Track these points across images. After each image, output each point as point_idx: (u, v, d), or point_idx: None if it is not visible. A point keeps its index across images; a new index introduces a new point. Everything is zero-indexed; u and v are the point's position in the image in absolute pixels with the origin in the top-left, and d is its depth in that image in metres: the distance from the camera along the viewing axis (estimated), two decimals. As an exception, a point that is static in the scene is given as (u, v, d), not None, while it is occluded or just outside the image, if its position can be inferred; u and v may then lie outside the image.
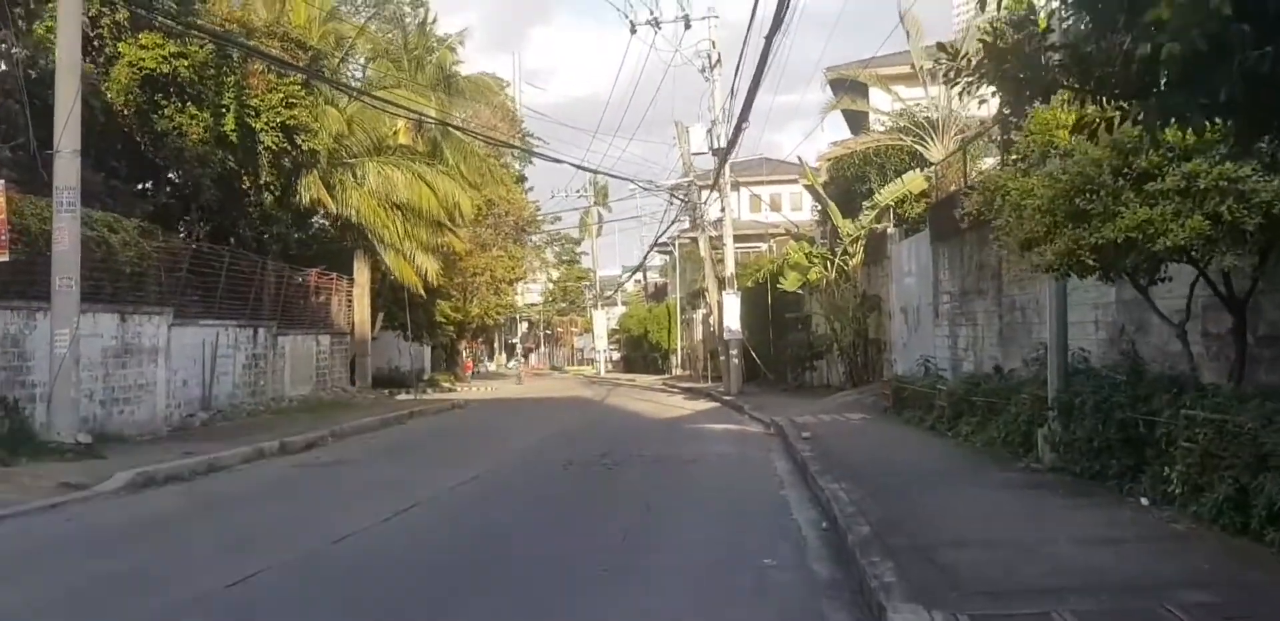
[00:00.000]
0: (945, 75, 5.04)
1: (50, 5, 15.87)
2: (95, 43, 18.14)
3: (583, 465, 12.47)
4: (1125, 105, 4.34)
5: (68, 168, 11.97)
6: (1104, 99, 4.45)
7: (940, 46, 5.29)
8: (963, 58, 4.93)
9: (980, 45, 4.90)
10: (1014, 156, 10.98)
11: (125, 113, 18.50)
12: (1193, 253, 7.15)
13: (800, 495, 9.92)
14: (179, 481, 11.33)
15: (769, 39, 13.43)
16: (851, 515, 7.51)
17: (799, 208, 40.10)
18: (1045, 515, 7.51)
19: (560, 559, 7.13)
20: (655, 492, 10.31)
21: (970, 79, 4.90)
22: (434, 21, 32.89)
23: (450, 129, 28.36)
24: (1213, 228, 6.58)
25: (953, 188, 18.63)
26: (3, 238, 10.74)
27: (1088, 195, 7.40)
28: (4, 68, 15.78)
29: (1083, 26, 4.25)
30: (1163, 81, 3.95)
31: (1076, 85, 4.55)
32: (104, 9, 17.62)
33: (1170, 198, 6.80)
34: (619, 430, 18.53)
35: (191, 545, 7.97)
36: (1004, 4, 4.92)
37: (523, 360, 66.47)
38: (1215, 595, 5.00)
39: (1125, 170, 7.15)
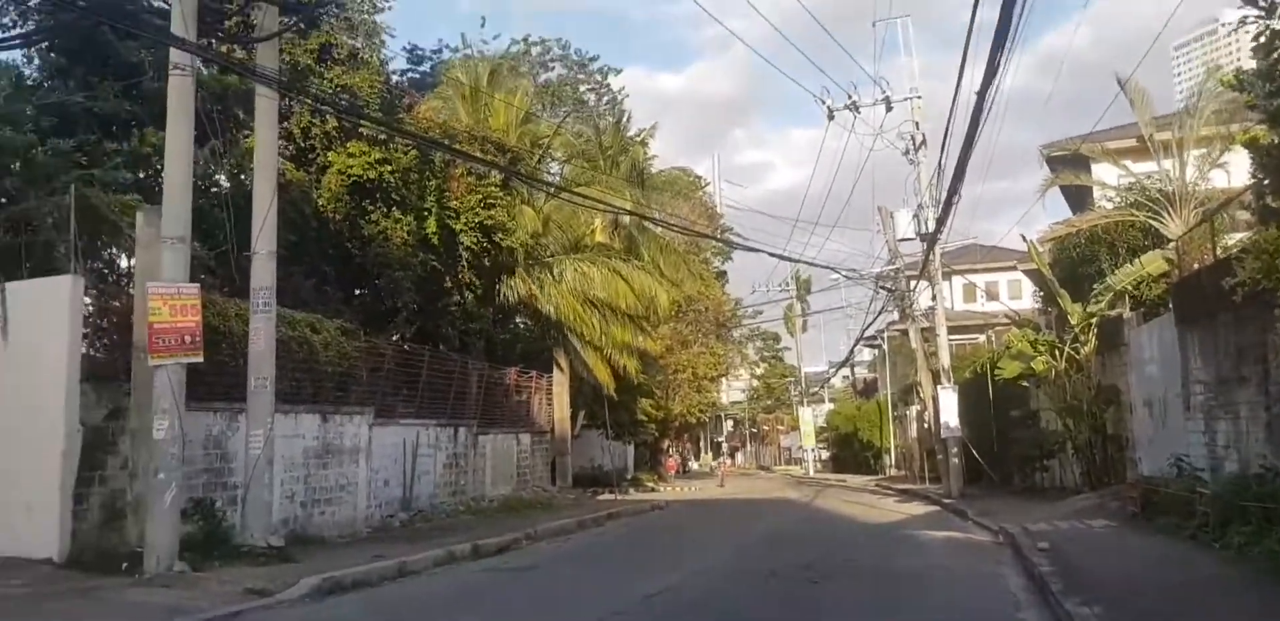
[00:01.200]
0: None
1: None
2: (308, 154, 19.07)
3: (785, 577, 11.26)
4: None
5: (263, 268, 12.16)
6: None
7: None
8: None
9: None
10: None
11: (335, 219, 19.22)
12: None
13: (1041, 618, 8.39)
14: (365, 587, 10.89)
15: (980, 95, 12.38)
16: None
17: (1018, 296, 37.78)
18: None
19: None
20: (867, 612, 9.03)
21: None
22: (628, 120, 33.51)
23: (646, 224, 28.33)
24: None
25: (1195, 266, 16.67)
26: (197, 339, 10.82)
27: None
28: (221, 179, 16.61)
29: None
30: None
31: None
32: (314, 121, 18.50)
33: None
34: (827, 536, 17.09)
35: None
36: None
37: (728, 459, 65.16)
38: None
39: None
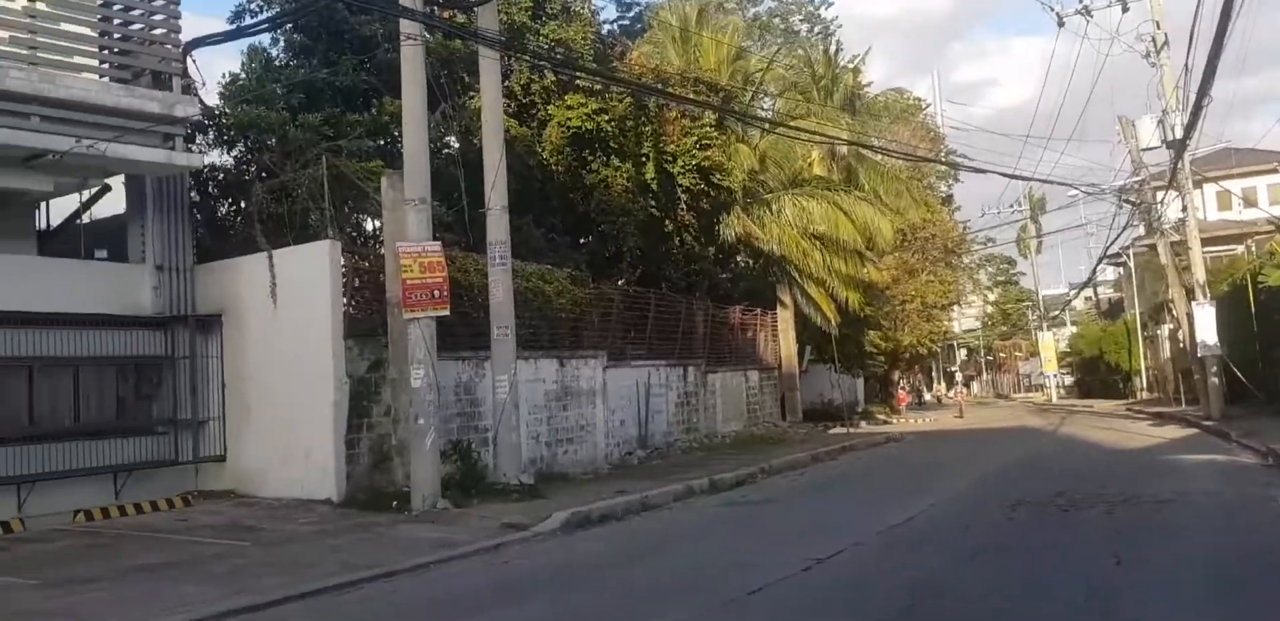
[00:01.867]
0: None
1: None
2: (529, 109, 19.68)
3: (1033, 506, 11.02)
4: None
5: (498, 223, 12.77)
6: None
7: None
8: None
9: None
10: None
11: (558, 171, 19.83)
12: None
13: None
14: (612, 520, 11.47)
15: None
16: None
17: (1279, 201, 34.50)
18: None
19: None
20: (1124, 542, 8.70)
21: None
22: (841, 49, 32.50)
23: (864, 153, 27.59)
24: None
25: None
26: (445, 293, 11.57)
27: None
28: (451, 141, 17.45)
29: None
30: None
31: None
32: (533, 77, 19.04)
33: None
34: (1075, 464, 16.44)
35: (602, 593, 7.81)
36: None
37: (963, 389, 63.33)
38: None
39: None
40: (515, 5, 18.98)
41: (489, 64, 12.82)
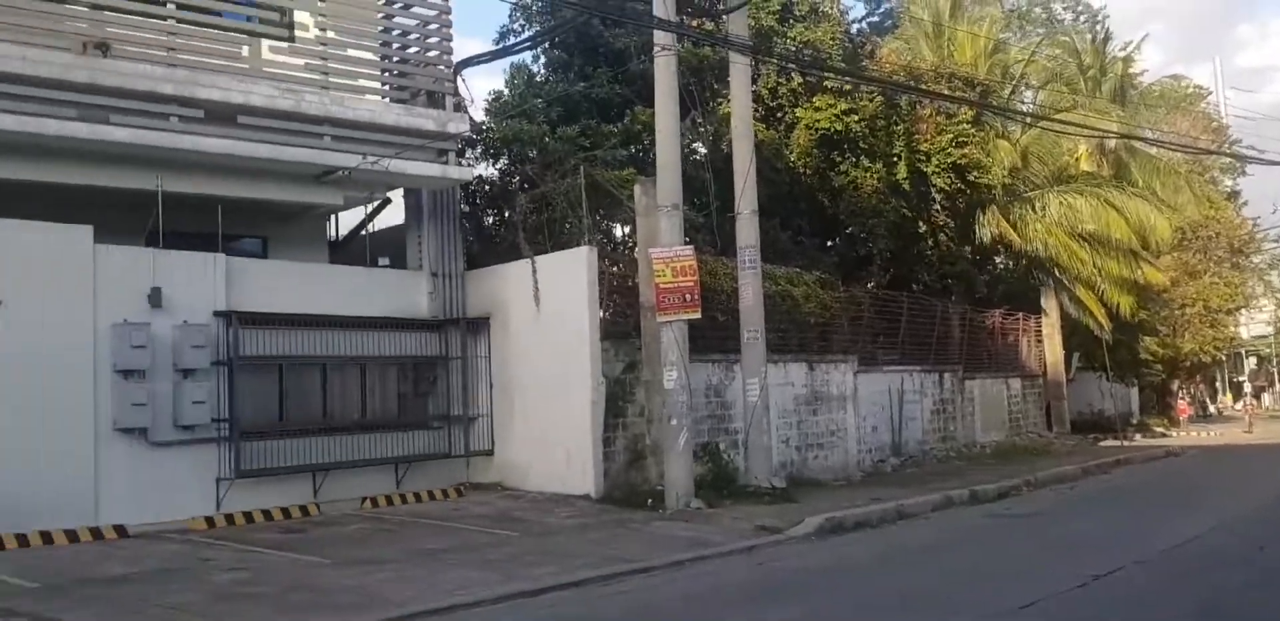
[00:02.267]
0: None
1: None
2: (776, 112, 19.68)
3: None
4: None
5: (747, 227, 12.85)
6: None
7: None
8: None
9: None
10: None
11: (806, 173, 19.69)
12: None
13: None
14: (866, 528, 11.28)
15: None
16: None
17: None
18: None
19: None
20: None
21: None
22: (1109, 37, 30.46)
23: (1137, 146, 25.73)
24: None
25: None
26: (696, 297, 11.76)
27: None
28: (698, 146, 17.72)
29: None
30: None
31: None
32: (780, 80, 19.03)
33: None
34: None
35: (861, 598, 7.67)
36: None
37: (1252, 401, 57.67)
38: None
39: None
40: (763, 9, 19.02)
41: (739, 69, 12.94)
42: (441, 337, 13.61)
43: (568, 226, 13.59)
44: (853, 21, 27.11)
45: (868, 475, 16.41)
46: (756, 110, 18.33)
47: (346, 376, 12.73)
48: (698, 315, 11.88)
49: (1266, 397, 71.42)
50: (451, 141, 12.77)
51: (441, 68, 12.98)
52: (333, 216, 14.56)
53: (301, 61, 11.85)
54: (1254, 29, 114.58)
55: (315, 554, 9.38)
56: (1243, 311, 44.09)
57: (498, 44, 16.66)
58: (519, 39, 16.01)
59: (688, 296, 11.68)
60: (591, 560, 8.89)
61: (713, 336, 13.64)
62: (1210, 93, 40.11)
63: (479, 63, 13.19)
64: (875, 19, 31.36)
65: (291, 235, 13.19)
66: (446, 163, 12.77)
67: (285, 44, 11.74)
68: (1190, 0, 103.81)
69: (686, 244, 11.92)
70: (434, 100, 12.86)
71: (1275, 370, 73.61)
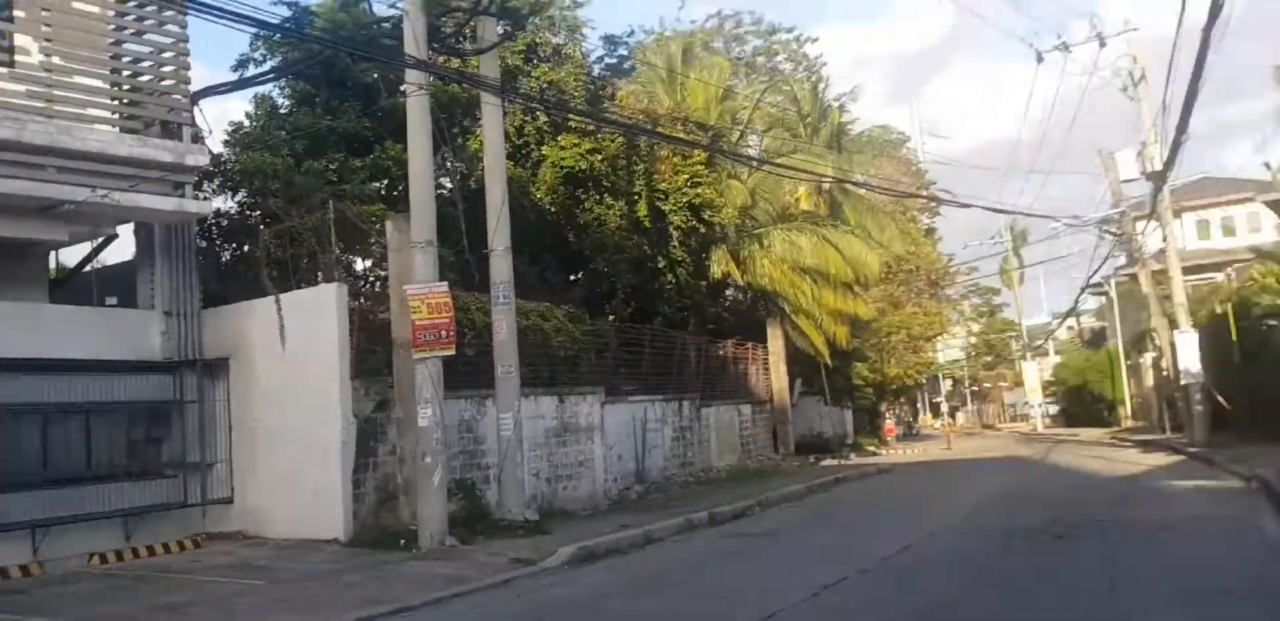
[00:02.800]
0: None
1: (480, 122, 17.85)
2: (522, 150, 20.10)
3: (1028, 533, 11.27)
4: None
5: (501, 264, 13.10)
6: None
7: None
8: None
9: None
10: None
11: (552, 210, 20.20)
12: None
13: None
14: (617, 554, 11.65)
15: (1206, 31, 11.87)
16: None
17: (1257, 229, 35.22)
18: None
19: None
20: (1119, 566, 8.98)
21: None
22: (826, 86, 33.21)
23: (849, 187, 28.12)
24: None
25: None
26: (451, 334, 11.85)
27: None
28: (447, 183, 17.82)
29: None
30: None
31: None
32: (526, 118, 19.48)
33: None
34: (1066, 492, 16.73)
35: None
36: None
37: (949, 420, 63.63)
38: None
39: None
40: (508, 49, 19.45)
41: (491, 111, 13.22)
42: (176, 380, 12.90)
43: (304, 262, 13.29)
44: (594, 61, 28.10)
45: (614, 503, 16.90)
46: (504, 148, 18.70)
47: (70, 424, 11.81)
48: (453, 352, 11.97)
49: (960, 416, 78.96)
50: (189, 174, 12.22)
51: (178, 97, 12.40)
52: (53, 252, 13.52)
53: (23, 88, 11.03)
54: (949, 78, 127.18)
55: (46, 615, 8.69)
56: (940, 338, 48.72)
57: (236, 72, 16.14)
58: (260, 69, 15.57)
59: (443, 333, 11.75)
60: (347, 604, 8.73)
61: (464, 372, 13.73)
62: (910, 138, 44.35)
63: (218, 93, 12.74)
64: (614, 60, 32.60)
65: (7, 273, 12.13)
66: (183, 196, 12.19)
67: (5, 69, 10.89)
68: (895, 52, 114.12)
69: (441, 280, 11.99)
70: (169, 130, 12.28)
71: (967, 391, 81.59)
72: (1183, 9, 13.29)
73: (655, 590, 9.58)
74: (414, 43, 11.77)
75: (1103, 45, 24.85)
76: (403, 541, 11.77)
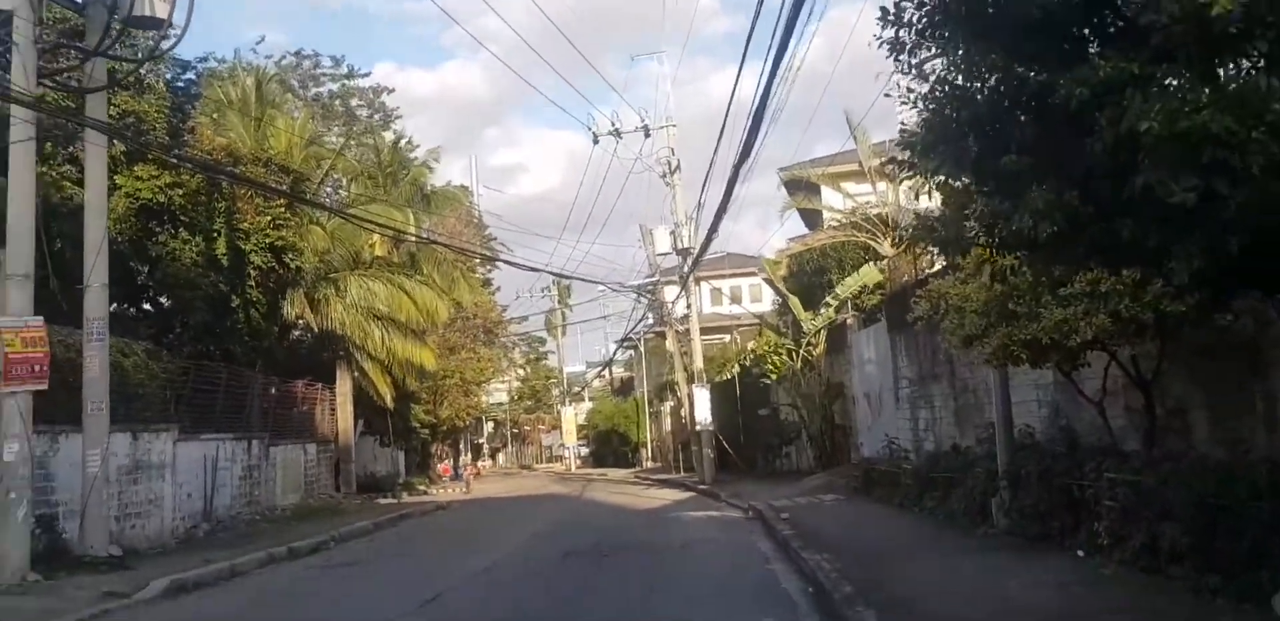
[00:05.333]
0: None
1: (52, 148, 17.18)
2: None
3: (580, 554, 13.37)
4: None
5: (97, 300, 13.07)
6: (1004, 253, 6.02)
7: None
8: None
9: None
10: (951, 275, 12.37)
11: (121, 241, 19.59)
12: (1105, 343, 8.54)
13: (786, 568, 11.03)
14: (207, 586, 12.07)
15: (736, 168, 14.99)
16: (835, 579, 8.67)
17: (759, 299, 41.71)
18: (998, 569, 8.78)
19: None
20: (654, 574, 11.31)
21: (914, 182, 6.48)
22: (408, 141, 34.81)
23: (422, 239, 29.78)
24: (1114, 323, 7.97)
25: (904, 278, 20.12)
26: (45, 368, 11.72)
27: (1017, 299, 8.81)
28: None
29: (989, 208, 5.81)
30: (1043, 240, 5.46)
31: (986, 243, 6.11)
32: (102, 146, 18.88)
33: (1080, 300, 8.19)
34: (604, 522, 19.40)
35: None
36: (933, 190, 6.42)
37: (487, 460, 66.60)
38: (1131, 618, 6.22)
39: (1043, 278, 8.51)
40: (83, 71, 18.80)
41: (96, 151, 13.22)
42: None
43: None
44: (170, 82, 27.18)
45: (181, 541, 16.80)
46: (71, 172, 18.05)
47: None
48: (45, 387, 11.83)
49: (501, 457, 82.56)
50: None
51: None
52: None
53: None
54: (501, 133, 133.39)
55: None
56: (490, 383, 51.49)
57: None
58: None
59: (37, 367, 11.63)
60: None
61: (40, 408, 13.32)
62: (473, 193, 47.07)
63: None
64: (181, 85, 31.53)
65: None
66: None
67: None
68: (451, 101, 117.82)
69: (37, 315, 11.84)
70: None
71: (508, 433, 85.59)
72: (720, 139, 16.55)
73: (266, 612, 10.40)
74: (22, 76, 11.69)
75: (647, 136, 28.97)
76: (-26, 579, 11.34)
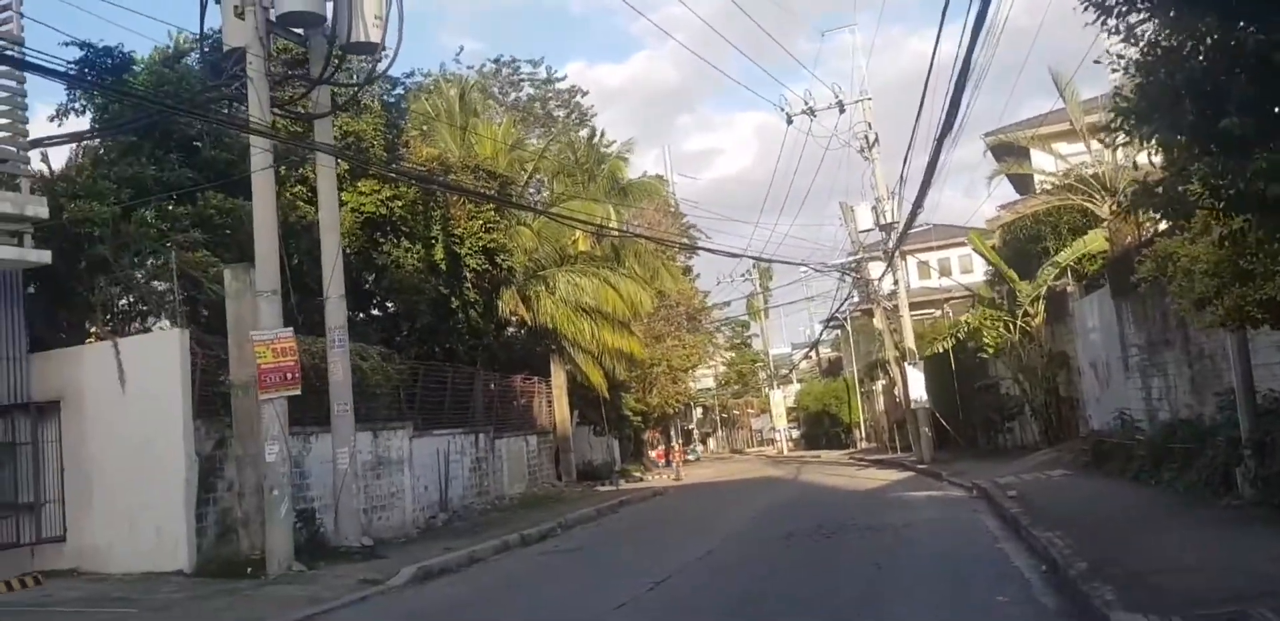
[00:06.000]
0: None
1: (284, 171, 18.62)
2: (323, 196, 20.87)
3: (803, 536, 13.43)
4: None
5: (336, 310, 14.16)
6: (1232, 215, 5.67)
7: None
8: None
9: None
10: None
11: (348, 252, 21.03)
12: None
13: (1016, 547, 10.75)
14: (450, 573, 12.90)
15: (940, 141, 14.58)
16: (1069, 556, 8.40)
17: (969, 270, 40.33)
18: (1244, 542, 8.31)
19: (816, 611, 8.24)
20: (880, 554, 11.25)
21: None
22: (601, 136, 35.64)
23: (622, 233, 30.46)
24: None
25: (1128, 240, 18.95)
26: (296, 375, 12.80)
27: (1249, 257, 8.23)
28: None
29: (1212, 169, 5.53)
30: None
31: (1211, 206, 5.79)
32: (328, 166, 20.33)
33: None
34: (823, 503, 19.35)
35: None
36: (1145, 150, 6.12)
37: (702, 445, 67.22)
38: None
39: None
40: (309, 99, 20.27)
41: (325, 172, 14.30)
42: (6, 423, 13.09)
43: (144, 307, 13.80)
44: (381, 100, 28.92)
45: (423, 531, 17.95)
46: (304, 193, 19.51)
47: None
48: (298, 392, 12.90)
49: (712, 442, 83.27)
50: (27, 224, 12.59)
51: (13, 149, 12.76)
52: None
53: None
54: (694, 119, 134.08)
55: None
56: (696, 369, 52.02)
57: (54, 120, 16.28)
58: (93, 128, 15.82)
59: (288, 375, 12.69)
60: (232, 618, 9.64)
61: (292, 411, 14.54)
62: (669, 182, 47.65)
63: (52, 144, 13.11)
64: (391, 100, 33.44)
65: None
66: (22, 245, 12.55)
67: None
68: (642, 89, 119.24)
69: (286, 326, 12.93)
70: (4, 181, 12.61)
71: (718, 418, 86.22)
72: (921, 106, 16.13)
73: (505, 597, 11.01)
74: (258, 108, 12.76)
75: (842, 111, 28.51)
76: (249, 569, 12.53)
